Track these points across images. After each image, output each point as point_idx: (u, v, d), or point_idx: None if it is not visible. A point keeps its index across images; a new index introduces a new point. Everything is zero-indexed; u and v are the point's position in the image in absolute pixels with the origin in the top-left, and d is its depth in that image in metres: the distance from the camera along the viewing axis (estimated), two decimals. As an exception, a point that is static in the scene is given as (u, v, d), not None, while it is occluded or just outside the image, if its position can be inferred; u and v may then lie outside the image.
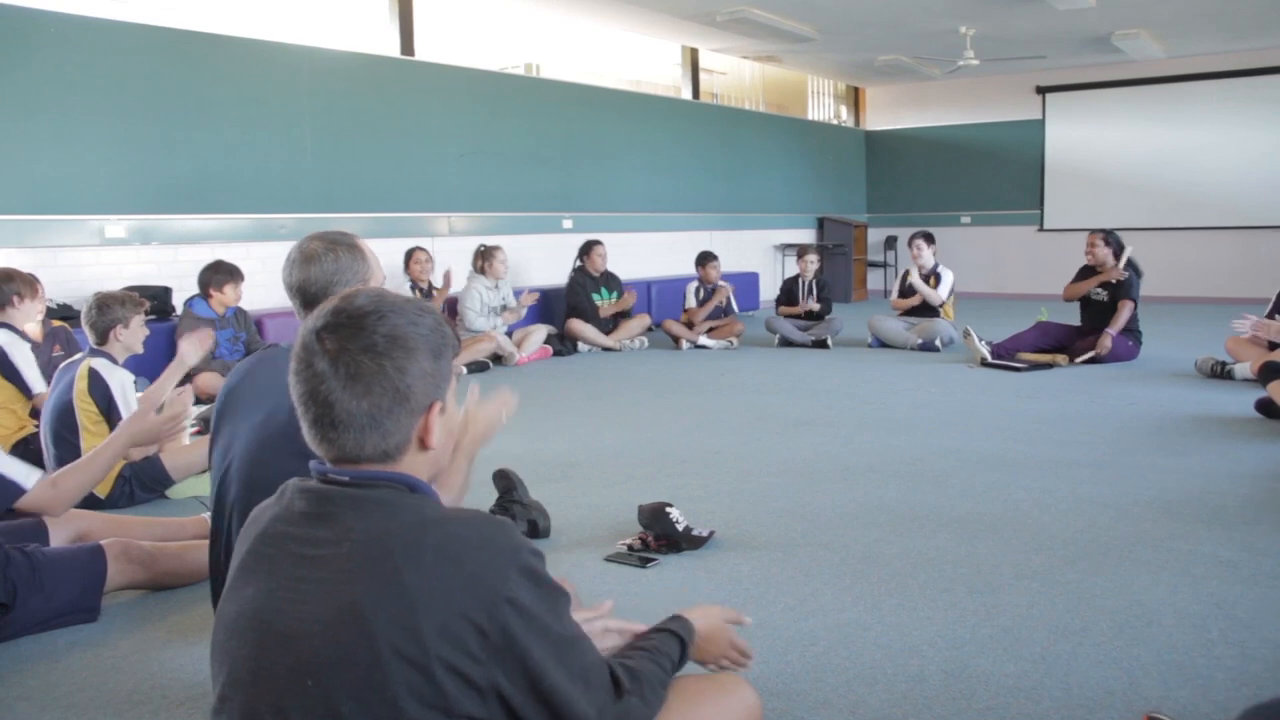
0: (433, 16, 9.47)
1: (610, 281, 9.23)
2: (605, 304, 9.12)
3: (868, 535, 3.56)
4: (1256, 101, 13.05)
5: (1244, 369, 6.66)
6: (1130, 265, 7.84)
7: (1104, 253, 7.84)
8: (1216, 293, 13.01)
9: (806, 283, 9.42)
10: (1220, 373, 6.90)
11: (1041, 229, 14.43)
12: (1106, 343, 7.56)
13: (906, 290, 8.98)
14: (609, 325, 9.16)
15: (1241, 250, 12.98)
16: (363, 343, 1.34)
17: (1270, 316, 6.70)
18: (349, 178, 8.42)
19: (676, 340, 9.21)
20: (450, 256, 8.87)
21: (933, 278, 8.87)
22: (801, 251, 9.61)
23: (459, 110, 9.40)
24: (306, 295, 2.34)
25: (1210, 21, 11.08)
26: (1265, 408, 5.52)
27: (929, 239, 8.95)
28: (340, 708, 1.27)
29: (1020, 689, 2.37)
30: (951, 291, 9.00)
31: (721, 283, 9.53)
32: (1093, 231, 8.05)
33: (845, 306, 12.81)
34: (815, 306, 9.29)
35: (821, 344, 8.93)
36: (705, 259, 9.45)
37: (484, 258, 8.44)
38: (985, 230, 14.88)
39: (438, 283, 8.44)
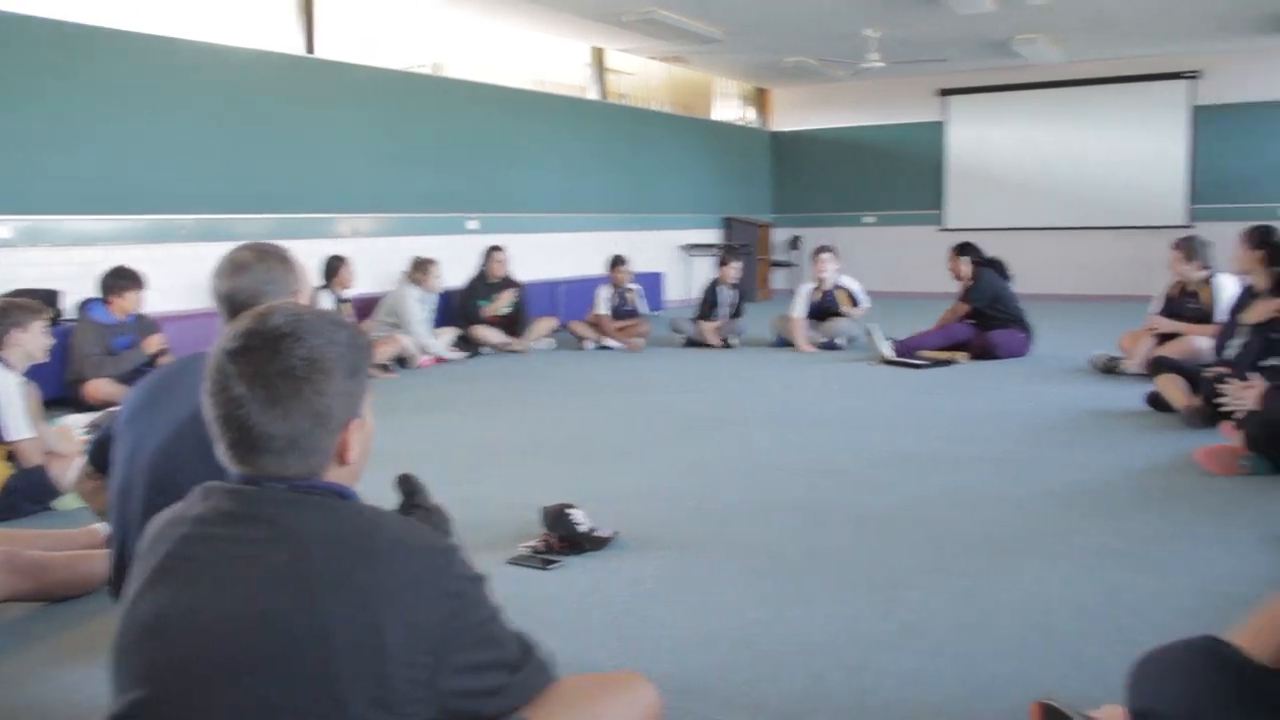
0: (336, 14, 9.32)
1: (503, 287, 9.11)
2: (487, 308, 9.04)
3: (772, 533, 3.59)
4: (1148, 106, 13.54)
5: (1135, 364, 6.85)
6: (983, 266, 8.16)
7: (963, 268, 8.21)
8: (1110, 290, 13.40)
9: (727, 289, 9.44)
10: (1113, 368, 7.10)
11: (943, 228, 14.72)
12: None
13: (822, 309, 8.97)
14: (513, 327, 9.07)
15: (1133, 249, 13.38)
16: (280, 366, 1.34)
17: (1161, 314, 6.97)
18: (250, 178, 8.24)
19: (579, 340, 9.22)
20: (355, 258, 8.68)
21: (842, 291, 8.96)
22: (725, 258, 9.62)
23: (364, 110, 9.28)
24: (234, 304, 2.33)
25: (1106, 28, 11.41)
26: (1155, 401, 5.70)
27: (833, 252, 9.10)
28: (280, 707, 1.25)
29: (920, 682, 2.40)
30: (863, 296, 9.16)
31: (632, 286, 9.56)
32: (950, 250, 8.41)
33: (750, 306, 12.84)
34: (735, 319, 9.31)
35: (726, 344, 9.01)
36: (616, 263, 9.45)
37: (420, 270, 8.33)
38: (888, 230, 15.14)
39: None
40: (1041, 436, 5.19)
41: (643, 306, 9.68)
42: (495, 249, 9.10)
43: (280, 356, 1.34)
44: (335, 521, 1.35)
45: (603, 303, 9.40)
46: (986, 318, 8.09)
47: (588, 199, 12.12)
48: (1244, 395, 4.42)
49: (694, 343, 9.14)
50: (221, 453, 1.39)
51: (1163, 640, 1.81)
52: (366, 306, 8.35)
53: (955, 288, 8.33)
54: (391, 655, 1.28)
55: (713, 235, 14.52)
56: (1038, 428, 5.41)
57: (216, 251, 2.52)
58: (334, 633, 1.26)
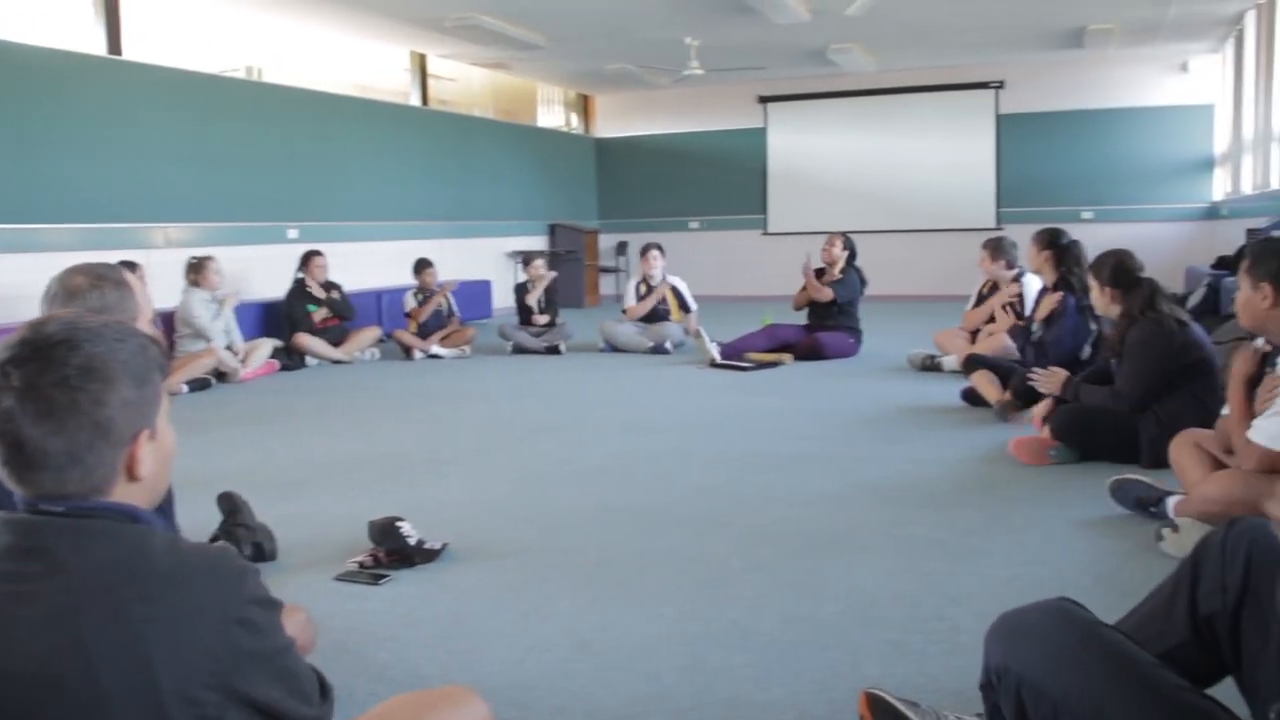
0: (143, 14, 8.93)
1: (328, 292, 8.94)
2: (316, 315, 8.82)
3: (602, 538, 3.58)
4: (957, 114, 14.20)
5: (951, 361, 7.14)
6: (854, 268, 8.33)
7: (838, 253, 8.31)
8: (927, 290, 13.91)
9: (537, 290, 9.47)
10: (931, 365, 7.37)
11: (766, 233, 15.11)
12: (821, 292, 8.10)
13: (651, 312, 9.09)
14: (336, 337, 8.89)
15: (947, 250, 13.97)
16: (53, 376, 1.24)
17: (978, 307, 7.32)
18: (49, 185, 7.76)
19: (408, 350, 9.05)
20: (171, 269, 8.33)
21: (669, 290, 9.09)
22: (528, 258, 9.71)
23: (175, 114, 8.88)
24: None
25: (917, 39, 11.88)
26: (969, 396, 5.93)
27: (661, 251, 9.25)
28: None
29: (750, 678, 2.43)
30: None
31: (441, 282, 9.47)
32: (833, 234, 8.52)
33: (578, 312, 12.97)
34: (543, 320, 9.36)
35: (554, 350, 9.01)
36: (421, 265, 9.32)
37: (196, 270, 8.00)
38: (713, 235, 15.41)
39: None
40: (864, 433, 5.34)
41: (453, 307, 9.50)
42: (314, 253, 8.89)
43: (54, 366, 1.25)
44: (113, 549, 1.25)
45: (411, 300, 9.29)
46: (820, 318, 8.29)
47: (412, 207, 11.94)
48: (1049, 382, 4.69)
49: (522, 349, 9.11)
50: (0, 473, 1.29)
51: (984, 625, 1.86)
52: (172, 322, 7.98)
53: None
54: (169, 693, 1.19)
55: (540, 242, 14.50)
56: (861, 425, 5.56)
57: (15, 264, 2.37)
58: (102, 674, 1.18)
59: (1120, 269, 4.43)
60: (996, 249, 7.19)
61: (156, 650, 1.19)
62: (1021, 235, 7.67)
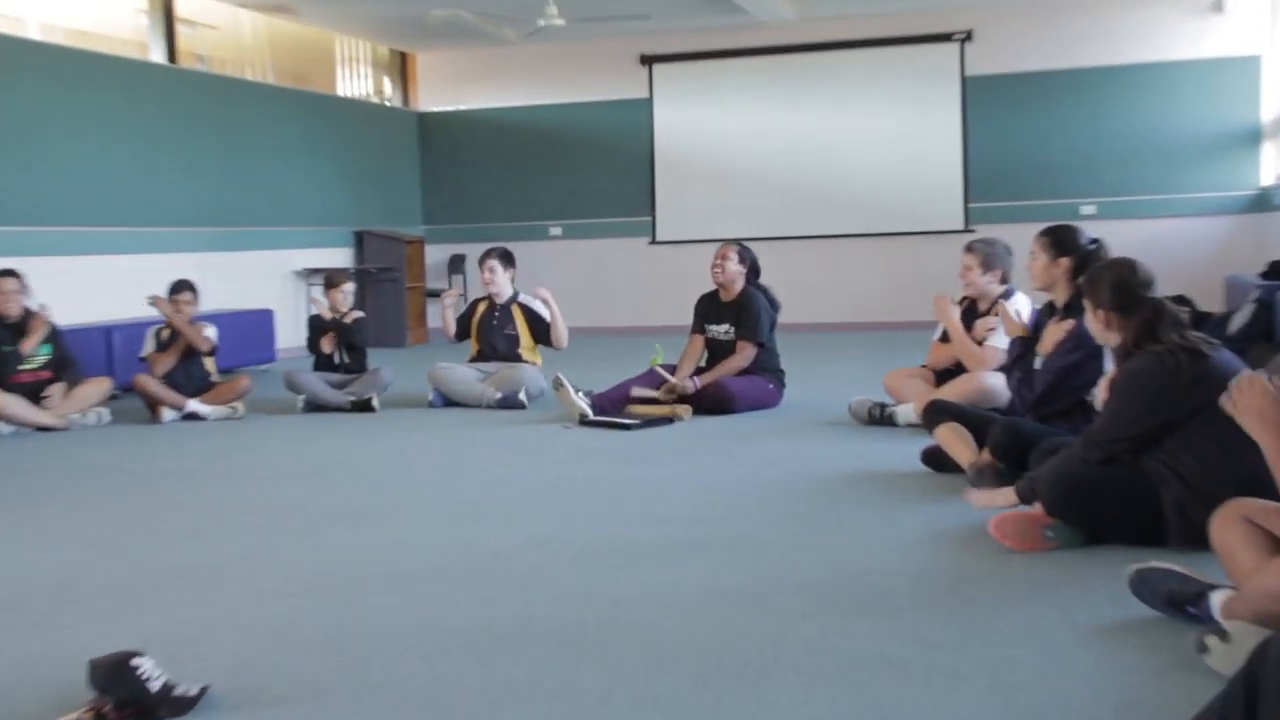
0: None
1: (22, 328, 8.65)
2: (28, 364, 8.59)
3: (432, 666, 3.52)
4: (912, 77, 14.41)
5: (907, 411, 7.24)
6: (762, 292, 8.44)
7: (735, 269, 8.38)
8: (870, 317, 14.17)
9: (335, 322, 9.42)
10: (880, 417, 7.46)
11: (654, 241, 15.24)
12: (688, 385, 8.15)
13: (489, 347, 9.13)
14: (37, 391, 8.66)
15: (901, 262, 14.24)
16: None
17: (945, 340, 7.28)
18: None
19: (154, 408, 8.84)
20: None
21: (520, 314, 9.12)
22: (332, 280, 9.60)
23: None
24: None
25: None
26: (932, 459, 5.98)
27: (506, 259, 9.26)
28: None
29: None
30: None
31: (201, 323, 9.23)
32: (726, 243, 8.57)
33: (397, 353, 12.94)
34: (376, 372, 9.30)
35: (365, 406, 8.89)
36: (178, 288, 9.07)
37: None
38: (581, 245, 15.55)
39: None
40: (788, 511, 5.36)
41: (209, 342, 9.22)
42: (4, 274, 8.66)
43: None
44: None
45: (151, 341, 9.10)
46: (722, 357, 8.36)
47: (155, 208, 11.73)
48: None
49: (319, 405, 9.00)
50: None
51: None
52: None
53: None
54: None
55: (343, 256, 14.43)
56: (783, 499, 5.59)
57: None
58: None
59: (1122, 287, 4.49)
60: (990, 256, 7.06)
61: None
62: (1002, 236, 7.79)
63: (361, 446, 7.56)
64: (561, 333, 9.14)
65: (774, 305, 8.48)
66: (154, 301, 9.01)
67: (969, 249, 7.23)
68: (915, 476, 5.96)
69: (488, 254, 9.32)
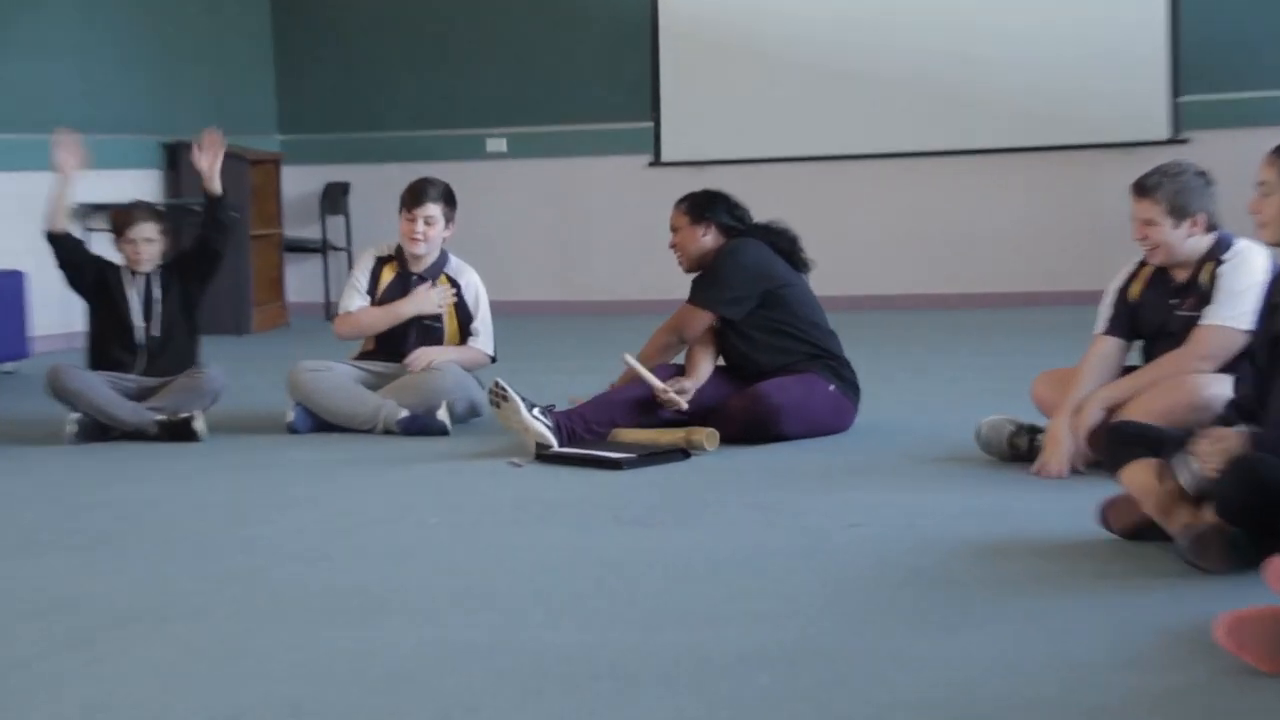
0: None
1: None
2: None
3: None
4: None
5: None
6: (768, 236, 7.13)
7: (693, 235, 7.21)
8: (1009, 285, 12.04)
9: (138, 283, 7.83)
10: (1029, 449, 6.18)
11: (658, 162, 12.99)
12: (678, 400, 6.94)
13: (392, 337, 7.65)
14: None
15: (1062, 193, 12.04)
16: None
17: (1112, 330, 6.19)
18: None
19: None
20: None
21: (450, 296, 7.70)
22: (121, 222, 7.94)
23: None
24: None
25: None
26: (1119, 516, 4.83)
27: (449, 201, 7.70)
28: None
29: None
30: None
31: None
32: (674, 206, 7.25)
33: (238, 344, 11.35)
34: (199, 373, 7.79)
35: (181, 430, 7.37)
36: None
37: None
38: (542, 167, 13.16)
39: None
40: (881, 604, 4.40)
41: None
42: None
43: None
44: None
45: None
46: (747, 348, 7.07)
47: None
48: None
49: (101, 431, 7.47)
50: None
51: None
52: None
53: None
54: None
55: (144, 184, 11.99)
56: (878, 589, 4.57)
57: None
58: None
59: None
60: (1180, 195, 5.91)
61: None
62: (1229, 153, 6.97)
63: (173, 500, 6.29)
64: (476, 359, 7.73)
65: (795, 260, 7.18)
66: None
67: (1141, 190, 5.98)
68: (1092, 546, 4.83)
69: (422, 191, 7.58)
